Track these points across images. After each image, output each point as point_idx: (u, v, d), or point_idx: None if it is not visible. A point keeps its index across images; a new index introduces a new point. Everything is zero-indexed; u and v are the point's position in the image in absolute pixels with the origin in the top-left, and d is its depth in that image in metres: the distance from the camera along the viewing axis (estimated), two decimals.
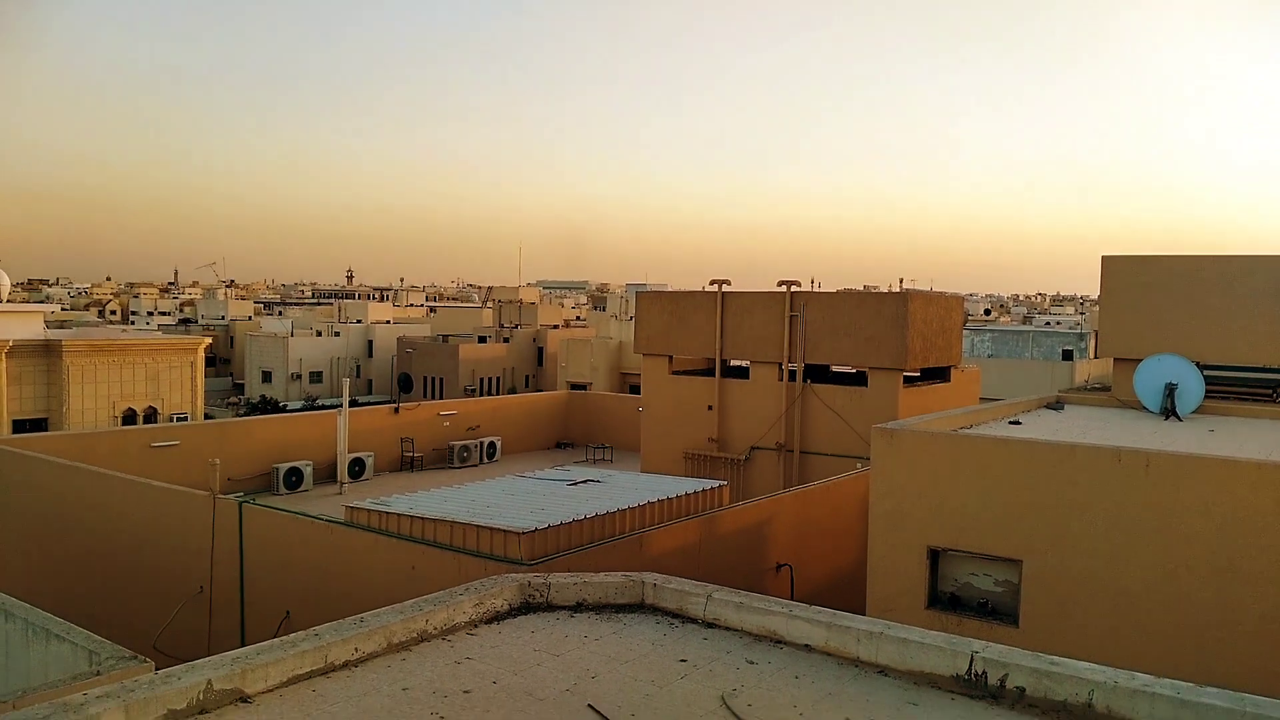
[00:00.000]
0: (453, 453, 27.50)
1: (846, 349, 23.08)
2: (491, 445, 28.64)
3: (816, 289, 27.30)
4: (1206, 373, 15.54)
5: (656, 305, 26.15)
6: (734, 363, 25.48)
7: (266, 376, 69.94)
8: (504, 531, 12.03)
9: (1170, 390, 14.72)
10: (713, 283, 24.85)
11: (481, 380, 63.68)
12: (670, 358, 25.44)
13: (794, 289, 23.65)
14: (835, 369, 25.04)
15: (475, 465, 27.61)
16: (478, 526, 12.35)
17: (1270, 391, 18.42)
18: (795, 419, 23.27)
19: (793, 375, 23.41)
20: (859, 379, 23.58)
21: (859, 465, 18.62)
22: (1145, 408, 15.07)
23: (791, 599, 15.19)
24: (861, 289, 59.91)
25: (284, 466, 23.24)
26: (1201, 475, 9.17)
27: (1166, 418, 14.57)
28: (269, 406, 60.81)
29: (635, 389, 34.27)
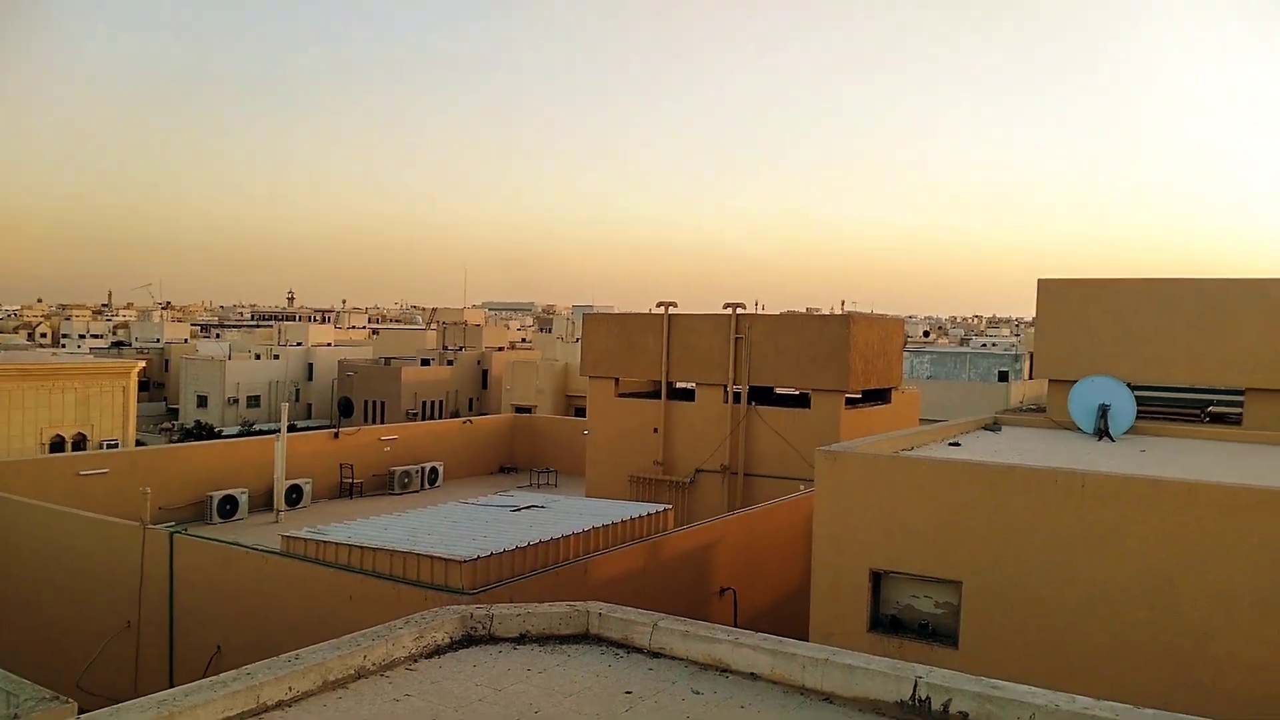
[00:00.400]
0: (394, 478, 27.06)
1: (790, 371, 23.28)
2: (434, 470, 28.25)
3: (761, 311, 27.54)
4: (1138, 393, 15.94)
5: (603, 327, 26.12)
6: (680, 385, 25.53)
7: (202, 401, 68.24)
8: (445, 560, 11.82)
9: (1103, 411, 15.06)
10: (659, 305, 24.92)
11: (425, 404, 62.90)
12: (616, 380, 25.39)
13: (739, 311, 23.80)
14: (779, 391, 25.22)
15: (417, 491, 27.19)
16: (418, 555, 12.12)
17: (1199, 411, 18.99)
18: (740, 441, 23.35)
19: (737, 397, 23.52)
20: (802, 401, 23.78)
21: (802, 487, 18.72)
22: (1080, 428, 15.39)
23: (735, 623, 15.19)
24: (805, 311, 60.60)
25: (218, 495, 22.63)
26: (1133, 495, 9.37)
27: (1100, 438, 14.90)
28: (204, 432, 59.32)
29: (581, 412, 34.13)
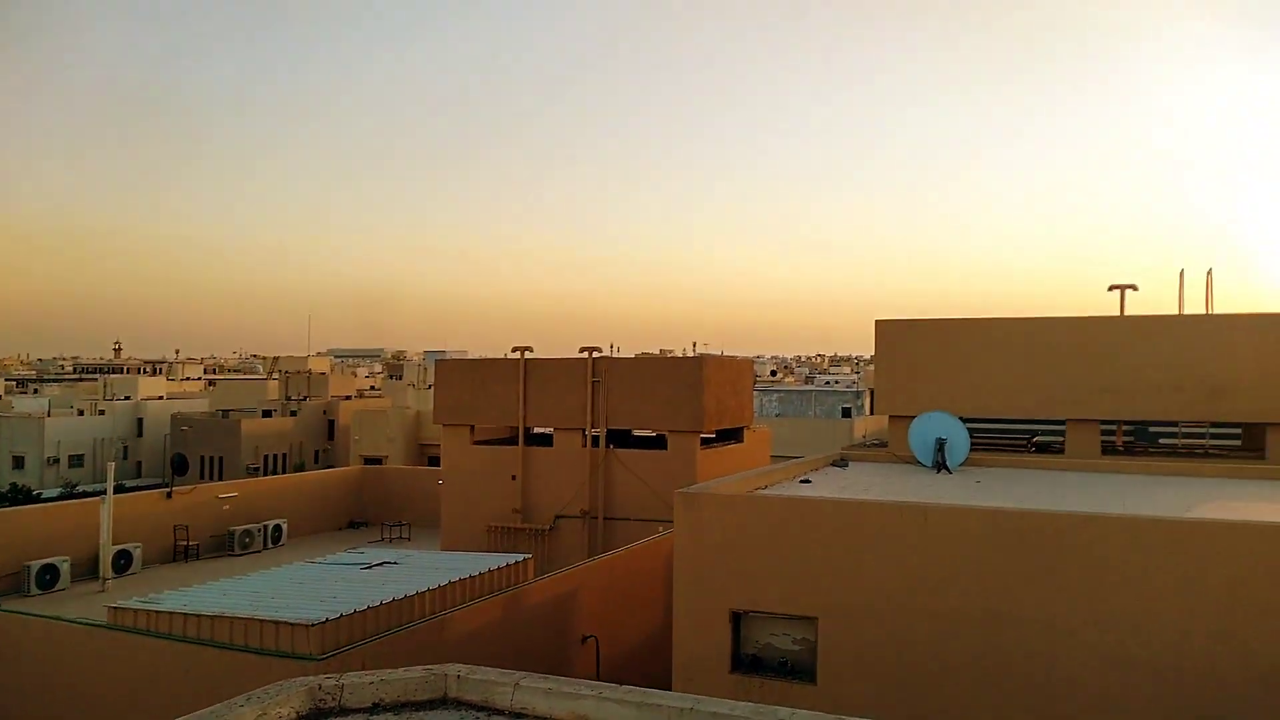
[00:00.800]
0: (233, 539, 25.58)
1: (647, 413, 23.48)
2: (277, 528, 26.88)
3: (617, 354, 27.73)
4: (971, 426, 16.87)
5: (457, 373, 25.67)
6: (537, 430, 25.31)
7: (18, 462, 62.80)
8: (291, 624, 11.20)
9: (940, 445, 15.83)
10: (515, 350, 24.72)
11: (266, 458, 59.97)
12: (472, 427, 24.94)
13: (595, 355, 23.89)
14: (637, 433, 25.39)
15: (259, 551, 25.78)
16: (261, 621, 11.45)
17: (1026, 441, 20.26)
18: (599, 485, 23.30)
19: (596, 441, 23.51)
20: (659, 442, 24.00)
21: (661, 529, 18.82)
22: (919, 462, 16.12)
23: (598, 671, 15.02)
24: (659, 353, 61.42)
25: (37, 564, 20.80)
26: (972, 526, 9.84)
27: (938, 471, 15.64)
28: (20, 496, 54.50)
29: (435, 461, 33.29)
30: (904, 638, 9.79)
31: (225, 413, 66.34)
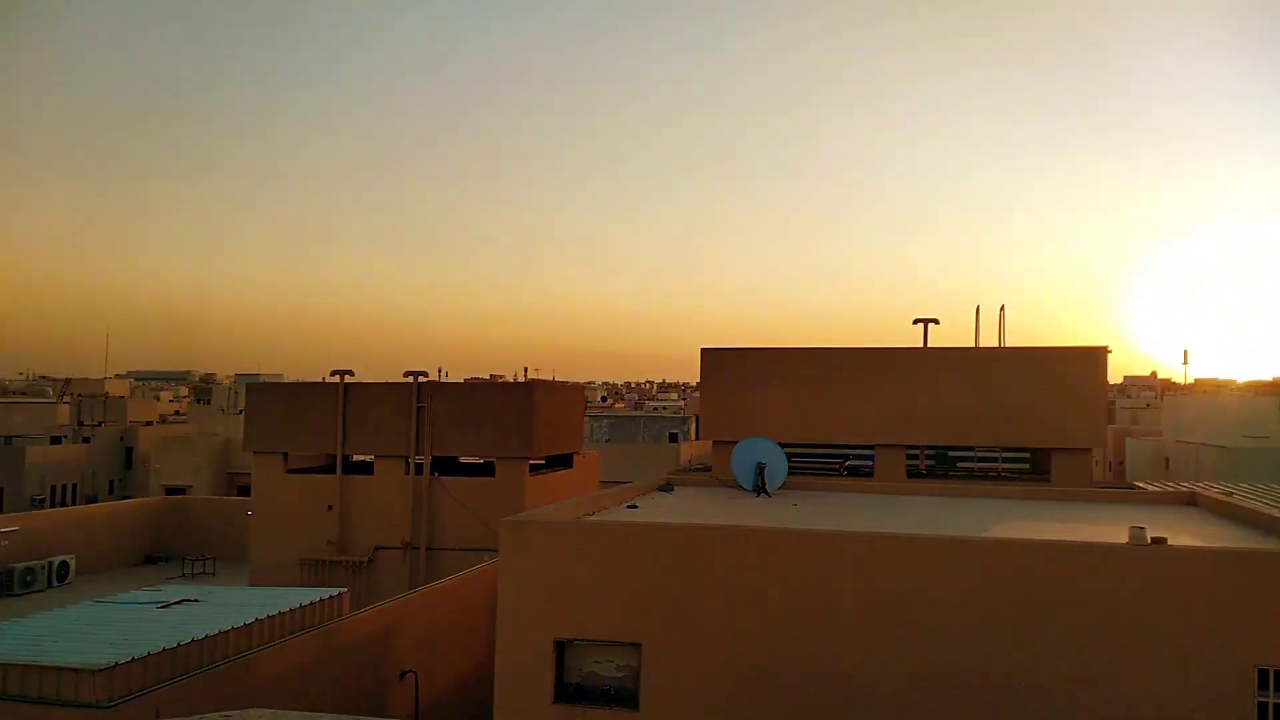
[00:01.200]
0: (12, 577, 23.24)
1: (475, 440, 23.07)
2: (64, 565, 24.64)
3: (444, 379, 27.14)
4: (790, 451, 17.53)
5: (270, 398, 24.42)
6: (357, 458, 24.39)
7: None
8: (75, 670, 10.23)
9: (760, 469, 16.34)
10: (334, 373, 23.76)
11: (54, 488, 54.95)
12: (285, 455, 23.75)
13: (421, 380, 23.29)
14: (464, 460, 24.88)
15: (42, 591, 23.55)
16: (41, 667, 10.40)
17: (840, 465, 21.23)
18: (423, 514, 22.66)
19: (420, 469, 22.87)
20: (487, 469, 23.61)
21: (487, 558, 18.47)
22: (741, 485, 16.58)
23: (417, 707, 14.52)
24: (489, 379, 60.73)
25: None
26: (789, 547, 10.18)
27: (758, 494, 16.13)
28: None
29: (246, 491, 31.43)
30: (726, 660, 9.98)
31: (8, 439, 60.43)
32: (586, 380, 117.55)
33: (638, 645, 10.12)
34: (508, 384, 32.61)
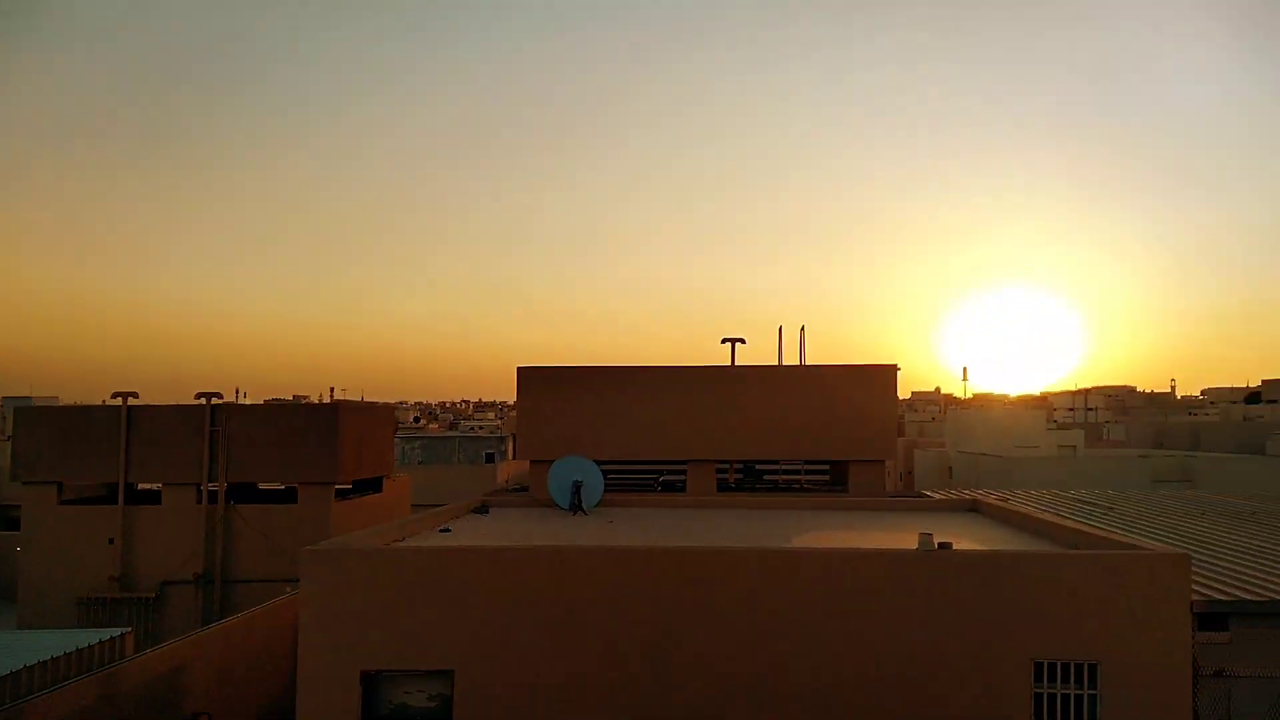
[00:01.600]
0: None
1: (276, 464, 21.91)
2: None
3: (242, 401, 25.65)
4: (606, 468, 17.67)
5: (42, 423, 22.27)
6: (143, 487, 22.62)
7: None
8: None
9: (577, 488, 16.39)
10: (116, 395, 21.97)
11: None
12: (60, 485, 21.73)
13: (215, 401, 21.90)
14: (264, 486, 23.57)
15: None
16: None
17: (655, 481, 21.61)
18: (217, 545, 21.27)
19: (214, 496, 21.47)
20: (290, 496, 22.47)
21: (289, 590, 17.55)
22: (558, 505, 16.55)
23: None
24: (291, 400, 57.88)
25: None
26: (597, 566, 10.22)
27: (575, 513, 16.16)
28: None
29: (15, 525, 28.40)
30: (542, 682, 9.88)
31: None
32: (398, 400, 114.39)
33: (450, 672, 9.86)
34: (311, 405, 31.19)
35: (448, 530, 13.79)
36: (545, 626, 9.95)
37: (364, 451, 23.33)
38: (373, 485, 24.71)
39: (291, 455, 21.73)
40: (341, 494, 22.85)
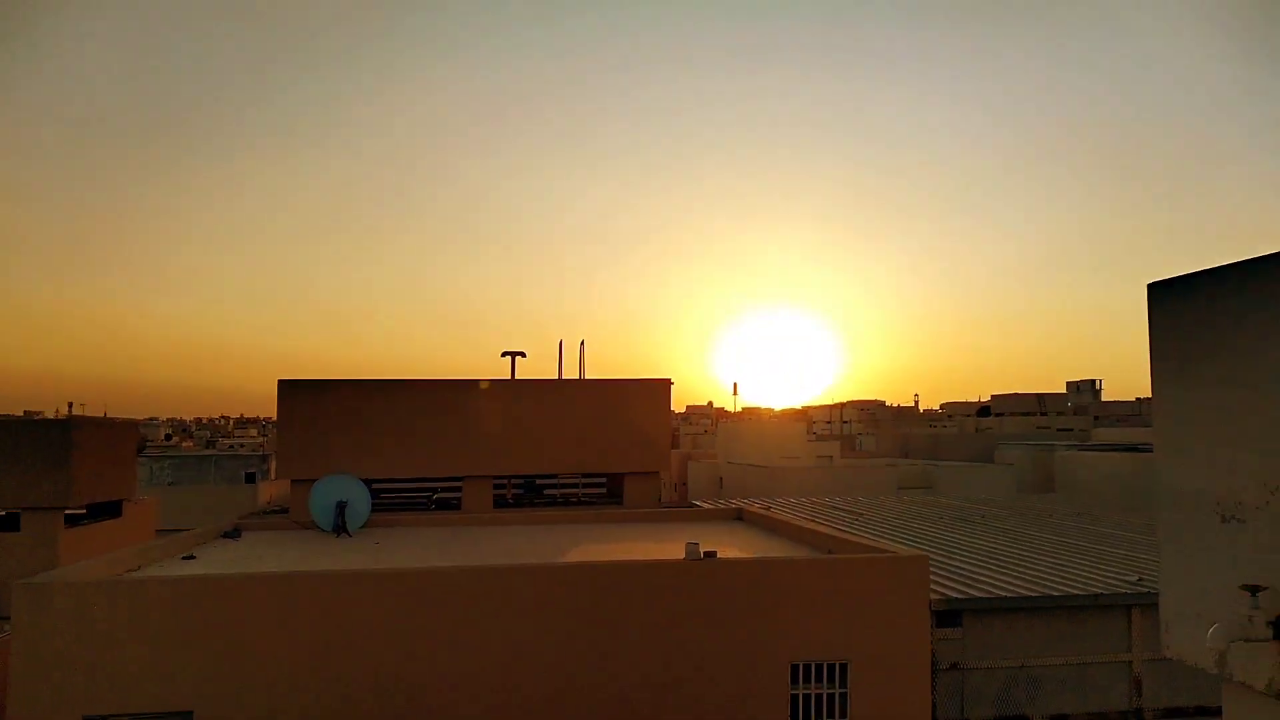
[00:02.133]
0: None
1: None
2: None
3: None
4: (376, 487, 16.91)
5: None
6: None
7: None
8: None
9: (341, 508, 15.58)
10: None
11: None
12: None
13: None
14: None
15: None
16: None
17: (428, 499, 20.93)
18: None
19: None
20: (10, 523, 19.96)
21: (9, 627, 15.55)
22: (320, 527, 15.66)
23: None
24: (21, 415, 51.90)
25: None
26: (345, 591, 9.70)
27: (339, 535, 15.35)
28: None
29: None
30: (296, 714, 9.23)
31: None
32: (148, 417, 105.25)
33: (189, 714, 9.02)
34: (39, 422, 27.96)
35: (192, 557, 12.68)
36: (294, 658, 9.32)
37: (101, 472, 21.17)
38: (111, 510, 22.44)
39: (14, 477, 19.38)
40: (74, 520, 20.60)
